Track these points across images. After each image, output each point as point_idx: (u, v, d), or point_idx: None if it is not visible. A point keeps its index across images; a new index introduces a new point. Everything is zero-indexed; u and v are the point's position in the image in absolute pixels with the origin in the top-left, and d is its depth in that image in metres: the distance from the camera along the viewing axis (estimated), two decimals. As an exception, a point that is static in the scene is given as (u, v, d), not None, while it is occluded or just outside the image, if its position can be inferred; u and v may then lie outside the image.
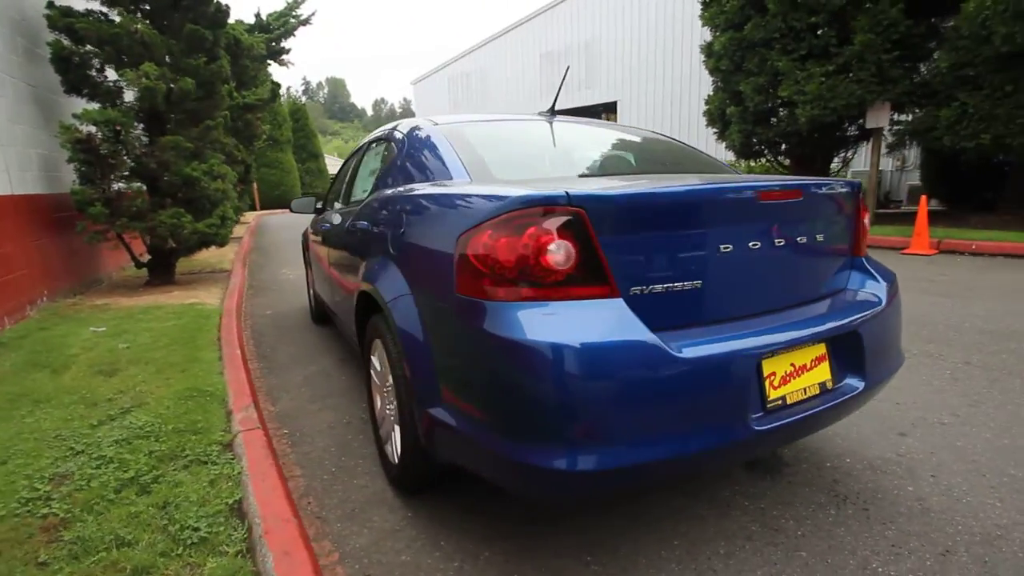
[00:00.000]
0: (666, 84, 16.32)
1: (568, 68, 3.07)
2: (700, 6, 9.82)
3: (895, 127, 8.45)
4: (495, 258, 1.22)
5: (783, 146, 9.63)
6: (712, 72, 9.76)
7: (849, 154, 10.36)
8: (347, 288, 2.44)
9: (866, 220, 1.77)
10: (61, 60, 4.71)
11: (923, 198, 6.47)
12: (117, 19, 4.91)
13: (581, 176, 1.87)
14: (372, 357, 2.02)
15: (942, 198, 9.37)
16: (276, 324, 4.42)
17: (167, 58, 5.01)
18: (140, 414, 2.40)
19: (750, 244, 1.36)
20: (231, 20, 6.11)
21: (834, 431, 2.17)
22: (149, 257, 5.77)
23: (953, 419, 2.26)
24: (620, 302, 1.20)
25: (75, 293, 5.19)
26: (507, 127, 2.19)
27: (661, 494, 1.80)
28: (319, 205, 3.79)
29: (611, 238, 1.21)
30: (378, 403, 2.03)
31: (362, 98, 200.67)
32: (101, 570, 1.42)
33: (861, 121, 8.34)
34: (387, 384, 1.86)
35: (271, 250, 9.57)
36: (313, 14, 10.84)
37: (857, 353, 1.49)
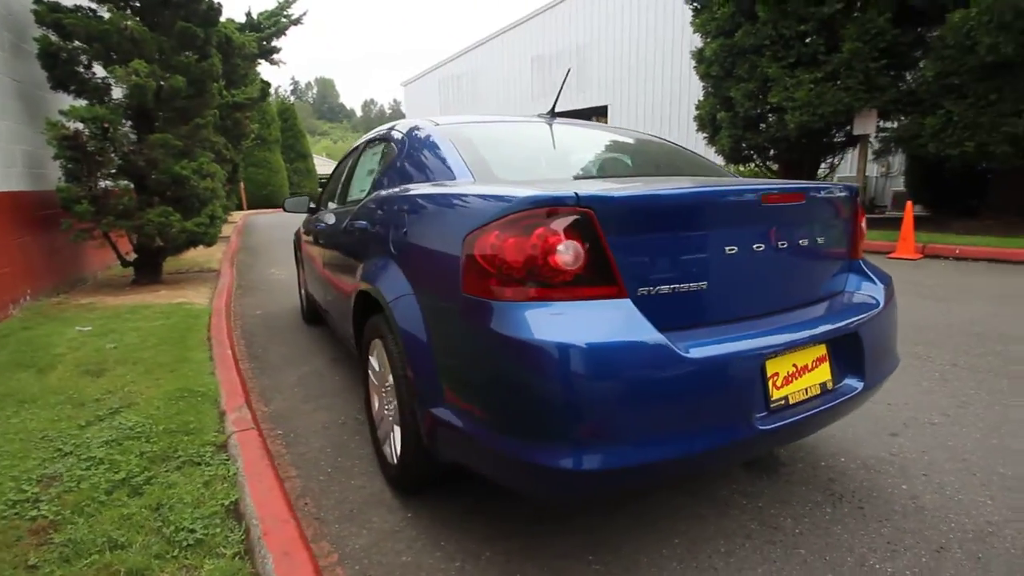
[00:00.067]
0: (656, 89, 16.48)
1: (569, 71, 3.09)
2: (691, 13, 9.94)
3: (881, 134, 8.62)
4: (503, 258, 1.22)
5: (771, 151, 9.77)
6: (703, 78, 9.88)
7: (836, 160, 10.54)
8: (344, 288, 2.41)
9: (863, 224, 1.80)
10: (48, 56, 4.62)
11: (909, 204, 6.60)
12: (106, 15, 4.84)
13: (585, 177, 1.88)
14: (370, 357, 2.00)
15: (926, 204, 9.57)
16: (266, 324, 4.37)
17: (157, 55, 4.93)
18: (130, 415, 2.35)
19: (754, 246, 1.37)
20: (222, 19, 6.03)
21: (828, 431, 2.20)
22: (135, 256, 5.67)
23: (943, 419, 2.30)
24: (628, 303, 1.21)
25: (59, 292, 5.09)
26: (508, 128, 2.19)
27: (661, 493, 1.81)
28: (312, 205, 3.76)
29: (619, 239, 1.21)
30: (376, 403, 2.01)
31: (351, 99, 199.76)
32: (94, 573, 1.38)
33: (848, 128, 8.49)
34: (386, 384, 1.85)
35: (259, 250, 9.47)
36: (304, 14, 10.76)
37: (856, 354, 1.51)
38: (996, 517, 1.63)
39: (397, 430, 1.76)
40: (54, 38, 4.65)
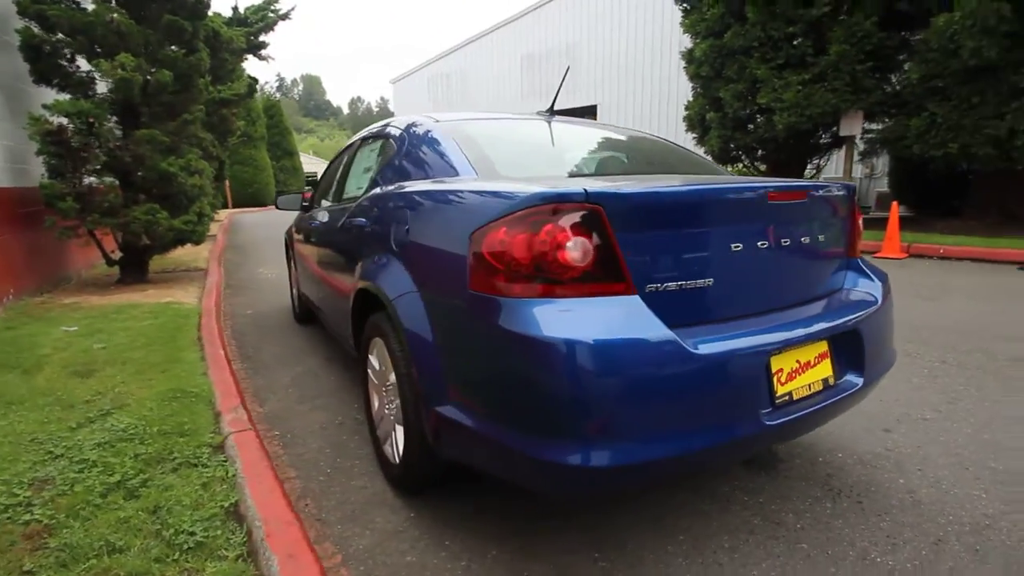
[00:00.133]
0: (646, 89, 16.58)
1: (568, 68, 3.09)
2: (681, 13, 10.00)
3: (867, 135, 8.76)
4: (511, 255, 1.22)
5: (759, 152, 9.88)
6: (692, 78, 9.96)
7: (822, 161, 10.69)
8: (341, 286, 2.39)
9: (860, 222, 1.82)
10: (31, 48, 4.50)
11: (894, 204, 6.72)
12: (90, 7, 4.73)
13: (588, 175, 1.88)
14: (370, 356, 1.98)
15: (910, 204, 9.75)
16: (258, 324, 4.32)
17: (144, 49, 4.83)
18: (122, 416, 2.30)
19: (759, 243, 1.39)
20: (209, 13, 5.93)
21: (824, 427, 2.22)
22: (121, 255, 5.56)
23: (935, 415, 2.35)
24: (637, 299, 1.21)
25: (43, 292, 4.97)
26: (508, 125, 2.18)
27: (663, 490, 1.81)
28: (305, 203, 3.71)
29: (627, 235, 1.22)
30: (375, 403, 2.00)
31: (338, 96, 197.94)
32: (92, 578, 1.35)
33: (835, 129, 8.62)
34: (387, 383, 1.83)
35: (247, 248, 9.35)
36: (292, 9, 10.62)
37: (857, 350, 1.53)
38: (991, 510, 1.67)
39: (399, 429, 1.74)
40: (37, 30, 4.53)
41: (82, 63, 4.94)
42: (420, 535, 1.61)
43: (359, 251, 2.08)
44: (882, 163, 11.78)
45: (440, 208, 1.54)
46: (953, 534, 1.56)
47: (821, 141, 9.69)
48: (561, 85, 2.51)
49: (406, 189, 1.78)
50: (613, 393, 1.13)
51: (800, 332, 1.40)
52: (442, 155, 1.79)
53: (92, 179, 4.99)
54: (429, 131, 1.98)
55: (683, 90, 12.49)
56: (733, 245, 1.34)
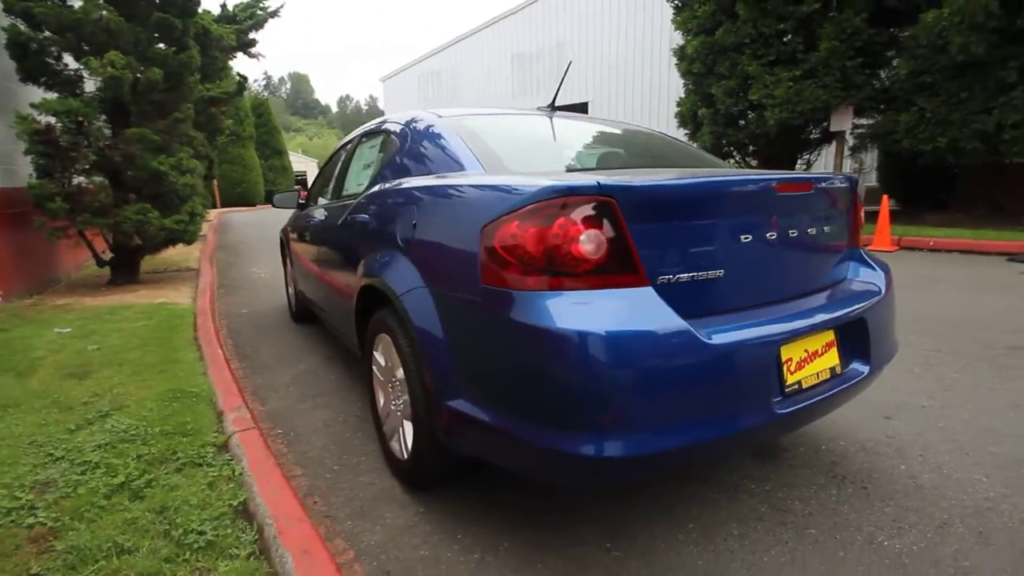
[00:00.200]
0: (637, 85, 16.62)
1: (570, 63, 3.09)
2: (672, 10, 10.04)
3: (857, 130, 8.85)
4: (524, 248, 1.22)
5: (751, 148, 9.95)
6: (684, 75, 10.00)
7: (812, 156, 10.79)
8: (343, 283, 2.37)
9: (861, 213, 1.85)
10: (17, 46, 4.42)
11: (885, 198, 6.80)
12: (77, 5, 4.65)
13: (594, 168, 1.88)
14: (375, 353, 1.97)
15: (899, 198, 9.87)
16: (254, 323, 4.28)
17: (133, 47, 4.76)
18: (122, 417, 2.28)
19: (767, 235, 1.40)
20: (199, 10, 5.85)
21: (827, 415, 2.25)
22: (112, 255, 5.48)
23: (932, 402, 2.38)
24: (650, 290, 1.21)
25: (32, 293, 4.89)
26: (511, 121, 2.18)
27: (671, 480, 1.83)
28: (301, 201, 3.68)
29: (640, 227, 1.22)
30: (381, 399, 1.99)
31: (326, 94, 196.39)
32: (102, 579, 1.34)
33: (825, 124, 8.70)
34: (393, 379, 1.83)
35: (238, 248, 9.26)
36: (282, 6, 10.51)
37: (862, 339, 1.55)
38: (992, 493, 1.70)
39: (407, 425, 1.74)
40: (23, 28, 4.45)
41: (70, 61, 4.86)
42: (432, 529, 1.61)
43: (362, 247, 2.06)
44: (870, 158, 11.92)
45: (449, 203, 1.54)
46: (957, 517, 1.59)
47: (811, 137, 9.77)
48: (563, 80, 2.51)
49: (412, 184, 1.77)
50: (629, 384, 1.14)
51: (808, 322, 1.42)
52: (448, 150, 1.78)
53: (81, 179, 4.91)
54: (433, 126, 1.97)
55: (674, 87, 12.55)
56: (742, 236, 1.35)
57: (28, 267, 4.96)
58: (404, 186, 1.82)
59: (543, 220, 1.20)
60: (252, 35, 9.32)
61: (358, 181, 2.53)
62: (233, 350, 3.56)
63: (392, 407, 1.87)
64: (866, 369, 1.55)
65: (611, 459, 1.16)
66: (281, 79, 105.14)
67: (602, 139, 2.28)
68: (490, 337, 1.30)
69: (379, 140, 2.45)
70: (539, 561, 1.46)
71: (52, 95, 4.65)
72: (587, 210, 1.19)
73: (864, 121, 8.64)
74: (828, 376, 1.47)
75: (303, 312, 3.96)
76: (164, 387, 2.61)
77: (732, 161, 10.96)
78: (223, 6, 9.96)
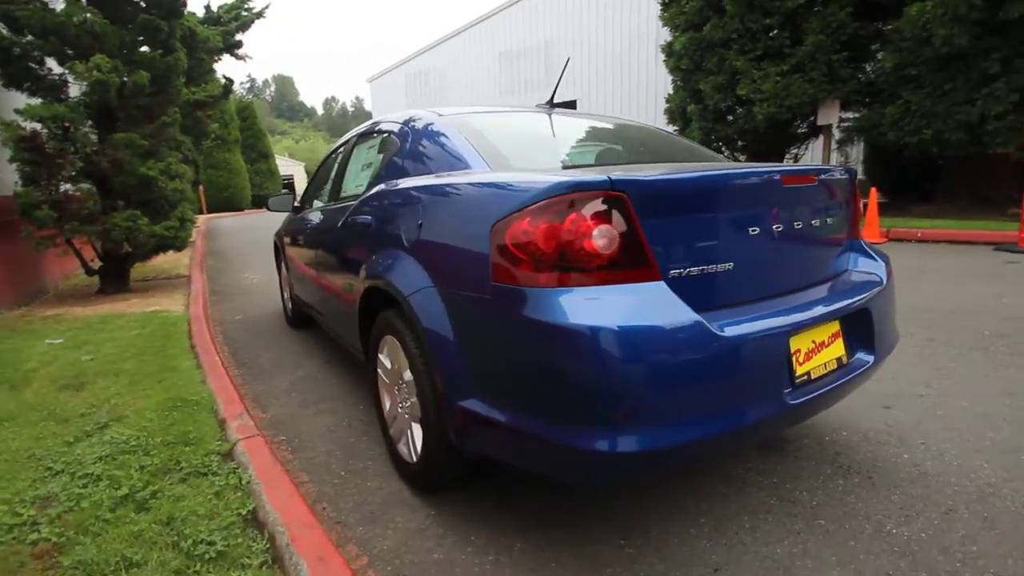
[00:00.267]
0: (625, 82, 16.68)
1: (568, 60, 3.09)
2: (660, 7, 10.09)
3: (843, 124, 8.96)
4: (536, 244, 1.21)
5: (739, 142, 10.04)
6: (672, 71, 10.06)
7: (800, 150, 10.90)
8: (344, 285, 2.36)
9: (860, 205, 1.87)
10: (0, 51, 4.33)
11: (873, 190, 6.89)
12: (59, 8, 4.56)
13: (599, 164, 1.88)
14: (380, 355, 1.96)
15: (885, 190, 10.01)
16: (249, 329, 4.24)
17: (119, 50, 4.68)
18: (121, 428, 2.24)
19: (774, 227, 1.41)
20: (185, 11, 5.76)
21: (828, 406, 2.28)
22: (101, 264, 5.40)
23: (929, 391, 2.42)
24: (663, 284, 1.22)
25: (20, 304, 4.80)
26: (511, 118, 2.18)
27: (679, 476, 1.84)
28: (297, 204, 3.65)
29: (651, 221, 1.22)
30: (387, 403, 1.98)
31: (311, 96, 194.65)
32: (113, 593, 1.32)
33: (812, 118, 8.79)
34: (400, 382, 1.82)
35: (228, 254, 9.17)
36: (267, 7, 10.40)
37: (867, 329, 1.57)
38: (994, 479, 1.73)
39: (416, 427, 1.73)
40: (5, 32, 4.35)
41: (53, 66, 4.77)
42: (444, 532, 1.60)
43: (365, 249, 2.05)
44: (856, 151, 12.07)
45: (456, 201, 1.53)
46: (962, 503, 1.62)
47: (799, 131, 9.88)
48: (561, 77, 2.51)
49: (416, 184, 1.75)
50: (645, 378, 1.14)
51: (814, 313, 1.43)
52: (451, 149, 1.77)
53: (68, 186, 4.82)
54: (434, 125, 1.96)
55: (663, 83, 12.61)
56: (750, 229, 1.36)
57: (15, 277, 4.87)
58: (407, 186, 1.81)
59: (555, 216, 1.20)
60: (238, 36, 9.20)
61: (357, 182, 2.51)
62: (230, 357, 3.52)
63: (399, 410, 1.86)
64: (871, 359, 1.57)
65: (628, 454, 1.16)
66: (265, 81, 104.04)
67: (602, 135, 2.28)
68: (503, 335, 1.30)
69: (377, 141, 2.44)
70: (553, 560, 1.46)
71: (36, 101, 4.56)
72: (599, 205, 1.19)
73: (850, 114, 8.75)
74: (835, 366, 1.49)
75: (299, 317, 3.93)
76: (163, 396, 2.57)
77: (722, 157, 11.05)
78: (207, 7, 9.82)
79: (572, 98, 18.31)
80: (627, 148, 2.21)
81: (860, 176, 12.00)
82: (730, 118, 9.33)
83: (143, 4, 4.84)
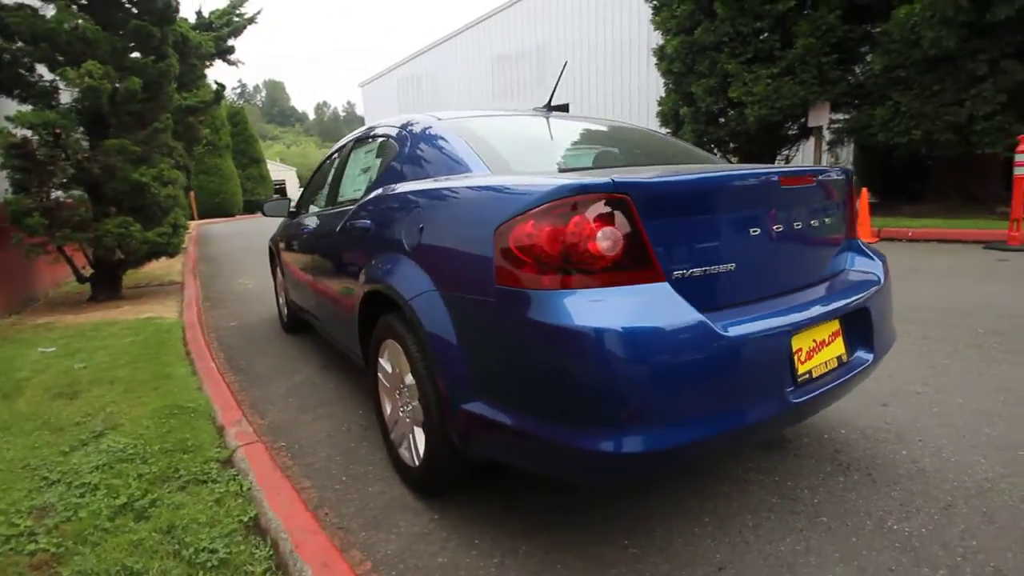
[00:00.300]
0: (618, 86, 16.77)
1: (566, 64, 3.10)
2: (651, 11, 10.16)
3: (834, 125, 9.06)
4: (540, 247, 1.22)
5: (731, 144, 10.11)
6: (664, 74, 10.12)
7: (791, 152, 11.00)
8: (343, 290, 2.35)
9: (856, 205, 1.89)
10: (-12, 58, 4.29)
11: (864, 191, 6.95)
12: (50, 14, 4.52)
13: (600, 167, 1.89)
14: (380, 360, 1.95)
15: (875, 191, 10.11)
16: (244, 335, 4.21)
17: (111, 56, 4.65)
18: (117, 436, 2.22)
19: (774, 227, 1.42)
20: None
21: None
22: (92, 271, 5.35)
23: (925, 388, 2.44)
24: (667, 286, 1.22)
25: (11, 313, 4.74)
26: (510, 122, 2.18)
27: (681, 476, 1.84)
28: (292, 208, 3.64)
29: (654, 223, 1.23)
30: (388, 407, 1.97)
31: (303, 102, 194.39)
32: (114, 603, 1.30)
33: (803, 120, 8.88)
34: (401, 386, 1.81)
35: (221, 260, 9.11)
36: (259, 12, 10.37)
37: (866, 328, 1.59)
38: (991, 474, 1.75)
39: (418, 431, 1.72)
40: (-6, 39, 4.33)
41: (44, 72, 4.73)
42: (448, 536, 1.60)
43: (364, 253, 2.04)
44: (846, 152, 12.20)
45: (458, 205, 1.53)
46: (960, 498, 1.63)
47: (790, 132, 9.97)
48: (559, 80, 2.52)
49: (416, 187, 1.76)
50: (652, 379, 1.14)
51: (815, 312, 1.44)
52: (451, 152, 1.77)
53: (59, 193, 4.78)
54: (433, 129, 1.96)
55: (655, 86, 12.69)
56: (751, 230, 1.38)
57: (6, 285, 4.81)
58: (408, 189, 1.81)
59: (559, 219, 1.20)
60: (231, 42, 9.16)
61: (354, 187, 2.51)
62: (226, 363, 3.49)
63: (400, 414, 1.85)
64: (870, 357, 1.59)
65: (634, 454, 1.16)
66: (256, 87, 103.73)
67: (600, 137, 2.29)
68: (507, 338, 1.30)
69: (375, 145, 2.43)
70: (558, 562, 1.46)
71: (27, 107, 4.52)
72: (602, 207, 1.20)
73: (840, 116, 8.85)
74: (836, 365, 1.50)
75: (295, 322, 3.91)
76: (159, 403, 2.55)
77: (715, 158, 11.12)
78: (199, 13, 9.78)
79: (565, 101, 18.39)
80: (625, 150, 2.22)
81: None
82: (722, 120, 9.40)
83: (135, 10, 4.81)
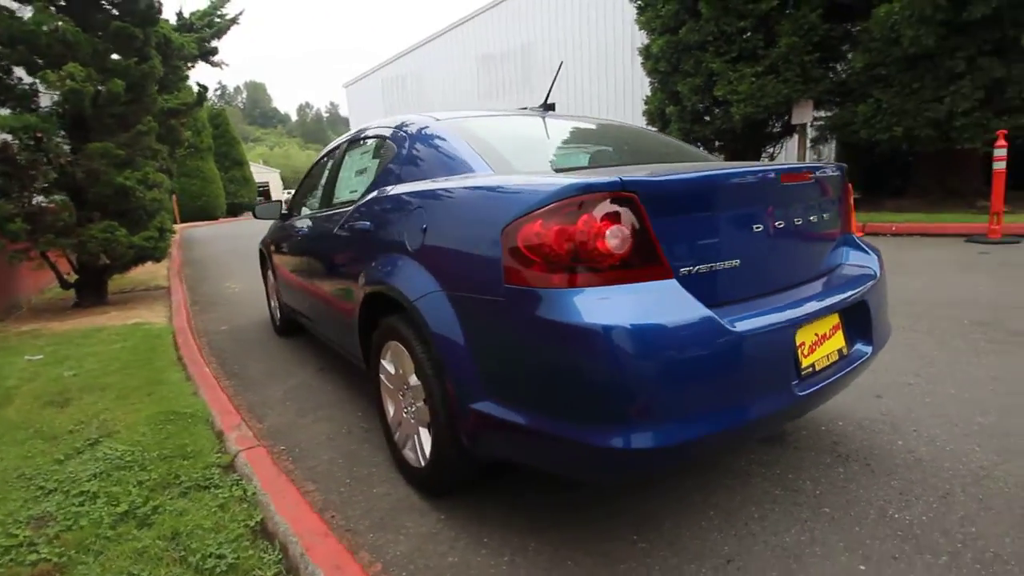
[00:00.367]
0: (604, 85, 16.85)
1: (561, 63, 3.11)
2: (636, 11, 10.23)
3: (817, 122, 9.21)
4: (549, 246, 1.22)
5: (717, 143, 10.23)
6: (650, 74, 10.21)
7: (775, 149, 11.16)
8: (341, 292, 2.33)
9: (851, 200, 1.93)
10: (-35, 60, 4.18)
11: (849, 186, 7.08)
12: (27, 16, 4.41)
13: (602, 166, 1.90)
14: (382, 361, 1.94)
15: (858, 187, 10.31)
16: (236, 339, 4.15)
17: (92, 58, 4.56)
18: (113, 443, 2.18)
19: (775, 224, 1.45)
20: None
21: (822, 398, 2.34)
22: (77, 276, 5.23)
23: (917, 379, 2.50)
24: (675, 282, 1.24)
25: (-7, 321, 4.62)
26: (507, 121, 2.19)
27: (684, 472, 1.86)
28: (284, 211, 3.60)
29: (661, 220, 1.25)
30: (391, 408, 1.96)
31: (285, 103, 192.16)
32: (122, 613, 1.28)
33: (786, 118, 9.01)
34: (404, 387, 1.81)
35: (207, 263, 8.98)
36: (241, 13, 10.23)
37: (865, 321, 1.62)
38: (985, 462, 1.80)
39: (423, 432, 1.72)
40: (-29, 41, 4.21)
41: (21, 75, 4.61)
42: (457, 535, 1.60)
43: (364, 255, 2.03)
44: (829, 149, 12.41)
45: (463, 205, 1.53)
46: (958, 486, 1.68)
47: (774, 130, 10.11)
48: (555, 80, 2.53)
49: (419, 188, 1.75)
50: (663, 375, 1.16)
51: (816, 306, 1.47)
52: (452, 153, 1.77)
53: (41, 198, 4.67)
54: (432, 130, 1.96)
55: (641, 85, 12.78)
56: (754, 226, 1.40)
57: (-14, 293, 4.69)
58: (409, 190, 1.80)
59: (567, 218, 1.21)
60: (214, 43, 9.03)
61: (351, 188, 2.49)
62: (219, 368, 3.44)
63: (404, 415, 1.85)
64: (869, 349, 1.62)
65: (645, 450, 1.17)
66: (237, 88, 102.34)
67: (597, 136, 2.31)
68: (516, 337, 1.30)
69: (370, 146, 2.42)
70: (568, 559, 1.47)
71: (5, 111, 4.41)
72: (610, 206, 1.21)
73: (823, 113, 9.00)
74: (837, 358, 1.53)
75: (288, 325, 3.87)
76: (154, 410, 2.51)
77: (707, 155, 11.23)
78: (179, 14, 9.62)
79: (550, 101, 18.42)
80: (621, 148, 2.24)
81: (833, 173, 12.33)
82: (708, 119, 9.51)
83: (116, 11, 4.72)
